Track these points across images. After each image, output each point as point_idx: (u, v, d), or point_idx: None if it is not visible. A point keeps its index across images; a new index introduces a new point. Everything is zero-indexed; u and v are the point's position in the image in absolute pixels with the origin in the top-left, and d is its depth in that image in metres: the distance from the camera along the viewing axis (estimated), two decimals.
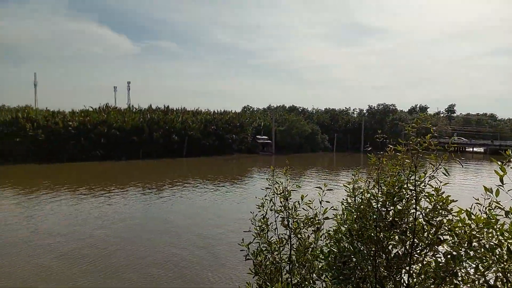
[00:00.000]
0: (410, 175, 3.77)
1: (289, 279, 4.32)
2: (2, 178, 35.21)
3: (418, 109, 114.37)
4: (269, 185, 4.68)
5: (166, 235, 17.81)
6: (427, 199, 3.65)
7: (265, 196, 4.69)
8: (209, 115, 68.52)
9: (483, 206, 3.43)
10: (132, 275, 13.02)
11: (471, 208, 3.39)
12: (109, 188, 30.04)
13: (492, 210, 3.31)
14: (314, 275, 4.10)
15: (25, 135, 49.02)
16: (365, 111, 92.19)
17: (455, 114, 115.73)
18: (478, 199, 3.48)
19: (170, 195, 28.14)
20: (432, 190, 3.63)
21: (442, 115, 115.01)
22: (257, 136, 72.88)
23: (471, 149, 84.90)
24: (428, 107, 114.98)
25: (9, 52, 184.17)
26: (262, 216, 4.69)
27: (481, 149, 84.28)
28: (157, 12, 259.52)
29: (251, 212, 4.76)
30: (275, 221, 4.67)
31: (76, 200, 25.58)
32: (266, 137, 73.20)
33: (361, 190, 4.42)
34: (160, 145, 58.36)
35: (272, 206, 4.65)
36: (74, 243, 16.29)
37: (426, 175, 3.69)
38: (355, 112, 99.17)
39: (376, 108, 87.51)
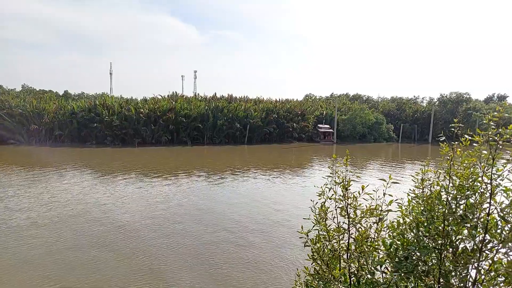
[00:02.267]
0: (486, 168, 3.47)
1: (347, 267, 4.31)
2: (86, 160, 39.62)
3: (496, 98, 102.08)
4: (330, 173, 4.66)
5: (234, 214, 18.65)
6: (504, 194, 3.35)
7: (325, 184, 4.68)
8: (271, 104, 68.97)
9: None
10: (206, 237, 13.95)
11: None
12: (176, 173, 32.14)
13: None
14: (371, 266, 4.03)
15: (101, 120, 54.30)
16: (435, 100, 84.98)
17: None
18: None
19: (231, 181, 29.18)
20: (511, 185, 3.32)
21: None
22: (319, 125, 71.62)
23: None
24: (508, 96, 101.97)
25: (88, 43, 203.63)
26: (321, 205, 4.70)
27: None
28: (224, 2, 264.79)
29: (311, 200, 4.80)
30: (335, 210, 4.65)
31: (144, 182, 27.86)
32: (328, 126, 71.60)
33: (430, 182, 4.20)
34: (223, 132, 60.58)
35: (332, 195, 4.63)
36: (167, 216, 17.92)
37: (505, 168, 3.38)
38: (424, 101, 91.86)
39: (448, 96, 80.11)
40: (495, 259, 3.41)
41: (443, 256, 3.62)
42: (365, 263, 4.10)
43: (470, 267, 3.52)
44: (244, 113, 62.63)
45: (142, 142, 55.51)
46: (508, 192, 3.33)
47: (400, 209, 4.31)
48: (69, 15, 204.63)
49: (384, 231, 4.40)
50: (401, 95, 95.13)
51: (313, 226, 4.66)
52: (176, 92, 71.16)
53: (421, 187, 4.32)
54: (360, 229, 4.30)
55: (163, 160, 41.31)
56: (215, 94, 71.17)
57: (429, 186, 4.19)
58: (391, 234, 4.21)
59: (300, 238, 4.83)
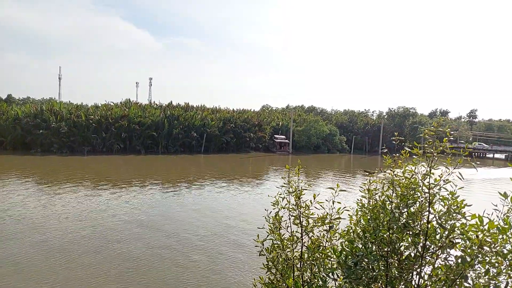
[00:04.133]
0: (424, 178, 3.77)
1: (300, 276, 4.40)
2: (27, 169, 36.68)
3: (438, 113, 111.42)
4: (284, 183, 4.76)
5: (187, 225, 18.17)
6: (441, 202, 3.65)
7: (279, 194, 4.77)
8: (228, 113, 69.10)
9: (501, 212, 3.42)
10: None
11: (487, 214, 3.39)
12: (130, 182, 30.81)
13: (510, 217, 3.30)
14: (324, 273, 4.16)
15: (48, 127, 50.81)
16: (384, 114, 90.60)
17: (476, 120, 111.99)
18: (496, 205, 3.48)
19: (187, 191, 28.57)
20: (447, 194, 3.63)
21: (463, 120, 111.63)
22: (275, 136, 72.89)
23: (492, 155, 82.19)
24: (449, 111, 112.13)
25: (35, 44, 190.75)
26: (275, 214, 4.78)
27: (503, 156, 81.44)
28: (180, 8, 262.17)
29: (265, 210, 4.86)
30: (289, 219, 4.74)
31: (93, 192, 26.38)
32: (284, 136, 73.10)
33: (377, 192, 4.45)
34: (179, 140, 59.36)
35: (286, 204, 4.73)
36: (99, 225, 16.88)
37: (441, 178, 3.69)
38: (374, 114, 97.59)
39: (396, 110, 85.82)
40: (436, 264, 3.68)
41: (389, 263, 3.84)
42: (317, 271, 4.22)
43: (414, 273, 3.77)
44: (201, 121, 62.01)
45: (92, 150, 52.65)
46: (444, 201, 3.63)
47: (350, 217, 4.51)
48: (14, 13, 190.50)
49: (335, 239, 4.56)
50: (353, 108, 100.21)
51: (268, 236, 4.71)
52: (129, 99, 68.71)
53: (367, 197, 4.55)
54: (312, 237, 4.43)
55: (114, 170, 39.46)
56: (171, 102, 69.90)
57: (375, 196, 4.43)
58: (342, 242, 4.39)
59: (255, 246, 4.84)
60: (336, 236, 4.54)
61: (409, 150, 4.04)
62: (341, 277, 4.01)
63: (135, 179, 32.22)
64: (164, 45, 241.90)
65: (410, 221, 3.79)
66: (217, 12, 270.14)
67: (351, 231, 4.42)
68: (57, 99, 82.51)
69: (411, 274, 3.78)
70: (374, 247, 4.04)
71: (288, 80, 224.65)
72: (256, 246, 4.82)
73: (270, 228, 4.74)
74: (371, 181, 4.65)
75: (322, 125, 74.55)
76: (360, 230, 4.27)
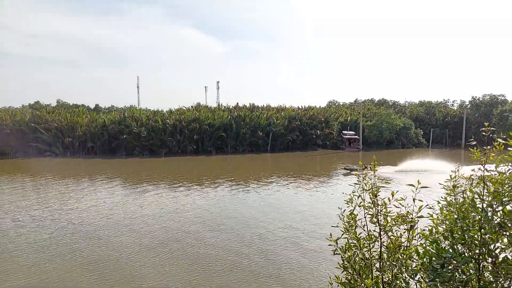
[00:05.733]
0: None
1: (380, 276, 4.22)
2: (116, 171, 40.92)
3: None
4: (357, 180, 4.62)
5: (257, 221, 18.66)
6: None
7: (353, 192, 4.64)
8: (293, 111, 68.88)
9: None
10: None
11: None
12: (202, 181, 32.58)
13: None
14: (406, 275, 3.93)
15: (130, 132, 56.07)
16: (467, 103, 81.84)
17: None
18: None
19: (258, 190, 29.22)
20: None
21: None
22: (343, 132, 70.62)
23: None
24: None
25: (115, 58, 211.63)
26: (350, 212, 4.66)
27: None
28: (244, 12, 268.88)
29: (339, 208, 4.77)
30: (364, 217, 4.59)
31: (168, 192, 28.40)
32: (353, 132, 70.45)
33: (463, 189, 4.08)
34: (246, 140, 60.99)
35: (360, 202, 4.58)
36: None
37: None
38: (455, 104, 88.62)
39: (481, 99, 76.88)
40: None
41: (481, 266, 3.49)
42: (399, 272, 4.01)
43: None
44: (266, 121, 62.86)
45: (169, 152, 56.75)
46: None
47: (431, 217, 4.20)
48: (97, 32, 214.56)
49: (415, 239, 4.30)
50: (429, 99, 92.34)
51: (342, 234, 4.62)
52: (200, 103, 72.61)
53: (452, 194, 4.20)
54: (392, 237, 4.22)
55: (189, 170, 42.00)
56: (238, 103, 72.03)
57: (461, 193, 4.07)
58: (423, 242, 4.11)
59: (329, 245, 4.78)
60: (416, 237, 4.28)
61: (504, 141, 3.62)
62: (426, 280, 3.76)
63: (207, 178, 33.93)
64: (230, 48, 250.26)
65: (507, 221, 3.39)
66: (275, 13, 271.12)
67: (434, 231, 4.12)
68: (137, 106, 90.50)
69: (509, 280, 3.38)
70: (463, 249, 3.71)
71: (356, 73, 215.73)
72: (329, 244, 4.76)
73: (344, 226, 4.64)
74: (456, 177, 4.27)
75: (395, 118, 70.18)
76: (444, 230, 3.95)
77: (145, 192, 27.72)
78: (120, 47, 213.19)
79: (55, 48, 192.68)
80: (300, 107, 73.99)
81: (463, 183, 4.35)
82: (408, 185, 4.34)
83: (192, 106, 68.97)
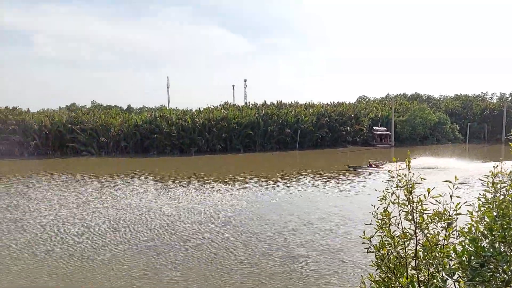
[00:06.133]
0: None
1: (415, 275, 4.14)
2: (149, 169, 42.25)
3: None
4: (391, 177, 4.54)
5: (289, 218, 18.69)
6: None
7: (386, 189, 4.57)
8: (322, 108, 68.00)
9: None
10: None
11: None
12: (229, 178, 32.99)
13: None
14: (444, 273, 3.82)
15: (161, 131, 57.67)
16: (508, 95, 77.17)
17: None
18: None
19: (286, 187, 29.20)
20: None
21: None
22: (374, 128, 68.81)
23: None
24: None
25: (145, 59, 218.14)
26: (384, 209, 4.58)
27: None
28: (271, 10, 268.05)
29: (372, 205, 4.71)
30: (399, 215, 4.50)
31: (200, 189, 28.96)
32: (384, 128, 68.52)
33: (504, 185, 3.90)
34: (274, 138, 60.96)
35: (394, 199, 4.50)
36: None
37: None
38: (494, 97, 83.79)
39: None
40: None
41: None
42: (435, 271, 3.91)
43: None
44: (294, 118, 62.47)
45: (198, 151, 57.85)
46: None
47: (470, 214, 4.06)
48: (128, 35, 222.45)
49: (452, 237, 4.17)
50: (466, 92, 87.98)
51: (376, 232, 4.56)
52: (228, 102, 73.41)
53: (492, 191, 4.03)
54: (428, 235, 4.12)
55: (218, 168, 42.61)
56: (265, 101, 72.13)
57: (502, 190, 3.89)
58: (461, 241, 3.98)
59: (362, 243, 4.73)
60: (454, 234, 4.14)
61: None
62: (464, 279, 3.65)
63: (236, 176, 34.30)
64: (256, 47, 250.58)
65: None
66: (302, 9, 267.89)
67: (473, 228, 3.97)
68: (167, 106, 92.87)
69: None
70: (503, 247, 3.56)
71: (386, 67, 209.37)
72: (363, 242, 4.71)
73: (378, 224, 4.57)
74: (495, 173, 4.09)
75: (429, 113, 67.51)
76: (484, 228, 3.80)
77: (177, 190, 28.47)
78: (151, 48, 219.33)
79: (89, 51, 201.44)
80: (329, 103, 72.95)
81: (503, 180, 4.16)
82: (445, 181, 4.23)
83: (220, 105, 69.86)
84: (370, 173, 34.58)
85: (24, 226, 19.46)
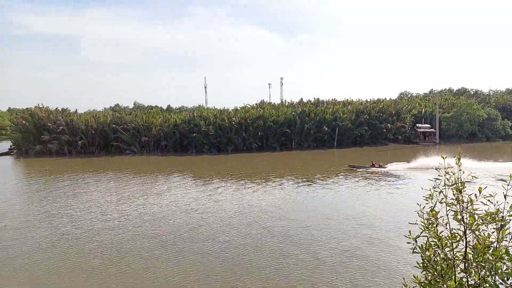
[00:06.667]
0: None
1: (464, 279, 3.93)
2: (189, 167, 43.48)
3: None
4: (438, 175, 4.34)
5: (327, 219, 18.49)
6: None
7: (433, 187, 4.37)
8: (361, 104, 66.02)
9: None
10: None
11: None
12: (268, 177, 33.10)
13: None
14: (498, 277, 3.60)
15: (199, 130, 59.08)
16: None
17: None
18: None
19: (323, 187, 28.80)
20: None
21: None
22: (417, 125, 65.72)
23: None
24: None
25: (184, 60, 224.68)
26: (430, 209, 4.40)
27: None
28: (303, 5, 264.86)
29: (417, 204, 4.54)
30: (446, 214, 4.30)
31: (237, 187, 29.31)
32: (428, 125, 65.25)
33: None
34: (311, 136, 60.21)
35: (442, 198, 4.30)
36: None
37: None
38: None
39: None
40: None
41: None
42: (487, 274, 3.70)
43: None
44: (332, 115, 61.25)
45: (235, 149, 58.59)
46: None
47: None
48: (166, 36, 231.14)
49: (506, 239, 3.91)
50: None
51: (421, 232, 4.39)
52: (264, 100, 73.48)
53: None
54: (480, 236, 3.89)
55: (255, 166, 42.90)
56: (301, 99, 71.39)
57: None
58: None
59: (407, 243, 4.58)
60: (508, 236, 3.89)
61: None
62: None
63: (273, 174, 34.34)
64: (292, 44, 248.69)
65: None
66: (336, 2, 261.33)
67: None
68: (205, 106, 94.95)
69: None
70: None
71: (430, 60, 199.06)
72: (408, 242, 4.55)
73: (423, 224, 4.40)
74: None
75: (477, 109, 63.37)
76: None
77: (217, 188, 29.07)
78: (188, 49, 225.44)
79: (130, 54, 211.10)
80: (369, 100, 70.74)
81: None
82: (499, 180, 3.98)
83: (256, 104, 70.16)
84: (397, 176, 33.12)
85: (75, 222, 20.93)
